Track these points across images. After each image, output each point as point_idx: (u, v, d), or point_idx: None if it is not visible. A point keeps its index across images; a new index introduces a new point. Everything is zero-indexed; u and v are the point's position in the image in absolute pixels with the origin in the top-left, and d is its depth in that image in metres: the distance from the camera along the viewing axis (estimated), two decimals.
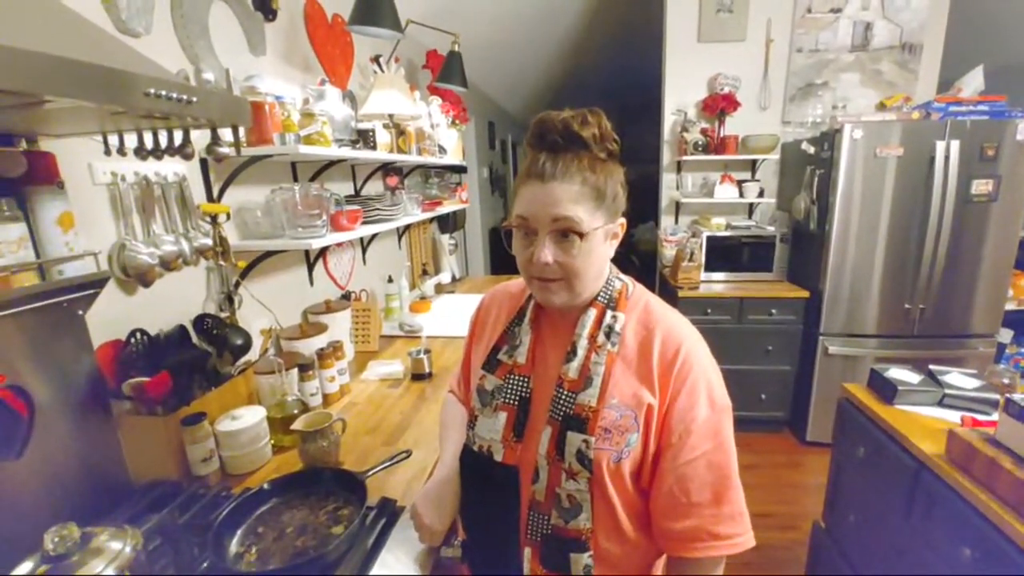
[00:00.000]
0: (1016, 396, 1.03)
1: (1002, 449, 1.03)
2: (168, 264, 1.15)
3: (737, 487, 0.71)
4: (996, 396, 1.28)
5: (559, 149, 0.70)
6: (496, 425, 0.76)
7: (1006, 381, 1.37)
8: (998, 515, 0.97)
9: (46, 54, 0.56)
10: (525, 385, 0.77)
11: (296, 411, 1.25)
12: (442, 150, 2.53)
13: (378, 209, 1.90)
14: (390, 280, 2.41)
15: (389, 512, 0.99)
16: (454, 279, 3.18)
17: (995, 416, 1.19)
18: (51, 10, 0.69)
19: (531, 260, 0.71)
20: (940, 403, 1.35)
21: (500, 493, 0.76)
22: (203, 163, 1.35)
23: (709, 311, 2.73)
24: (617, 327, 0.74)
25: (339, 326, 1.74)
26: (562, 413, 0.72)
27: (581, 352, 0.74)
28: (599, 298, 0.76)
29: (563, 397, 0.72)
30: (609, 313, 0.75)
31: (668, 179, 3.28)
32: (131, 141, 0.92)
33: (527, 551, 0.75)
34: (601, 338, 0.74)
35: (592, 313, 0.75)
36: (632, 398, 0.71)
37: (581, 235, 0.68)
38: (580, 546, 0.72)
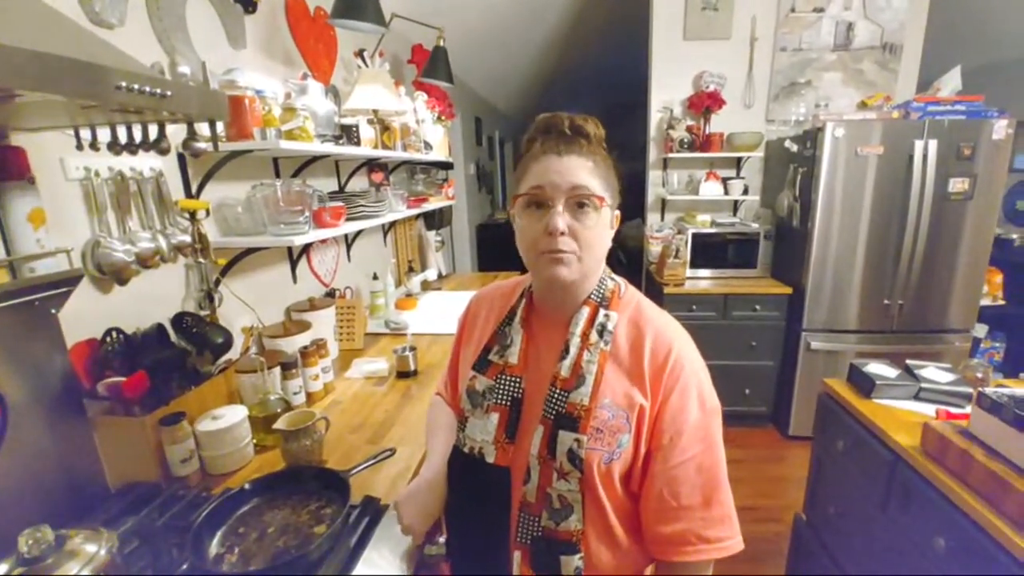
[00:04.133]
0: (988, 389, 1.06)
1: (974, 441, 1.06)
2: (145, 261, 1.13)
3: (726, 490, 0.72)
4: (969, 390, 1.31)
5: (566, 139, 0.73)
6: (488, 426, 0.76)
7: (979, 375, 1.40)
8: (970, 505, 0.99)
9: (14, 47, 0.54)
10: (517, 385, 0.76)
11: (279, 410, 1.24)
12: (428, 146, 2.52)
13: (362, 205, 1.89)
14: (375, 277, 2.39)
15: (373, 511, 0.98)
16: (440, 276, 3.16)
17: (968, 409, 1.22)
18: (20, 1, 0.67)
19: (543, 232, 0.70)
20: (916, 397, 1.38)
21: (491, 495, 0.75)
22: (181, 158, 1.33)
23: (694, 307, 2.76)
24: (610, 326, 0.74)
25: (323, 324, 1.72)
26: (554, 412, 0.71)
27: (574, 350, 0.73)
28: (592, 296, 0.77)
29: (556, 396, 0.72)
30: (602, 312, 0.75)
31: (654, 176, 3.30)
32: (104, 135, 0.90)
33: (517, 554, 0.73)
34: (594, 336, 0.74)
35: (585, 311, 0.75)
36: (624, 398, 0.71)
37: (599, 202, 0.70)
38: (571, 548, 0.71)
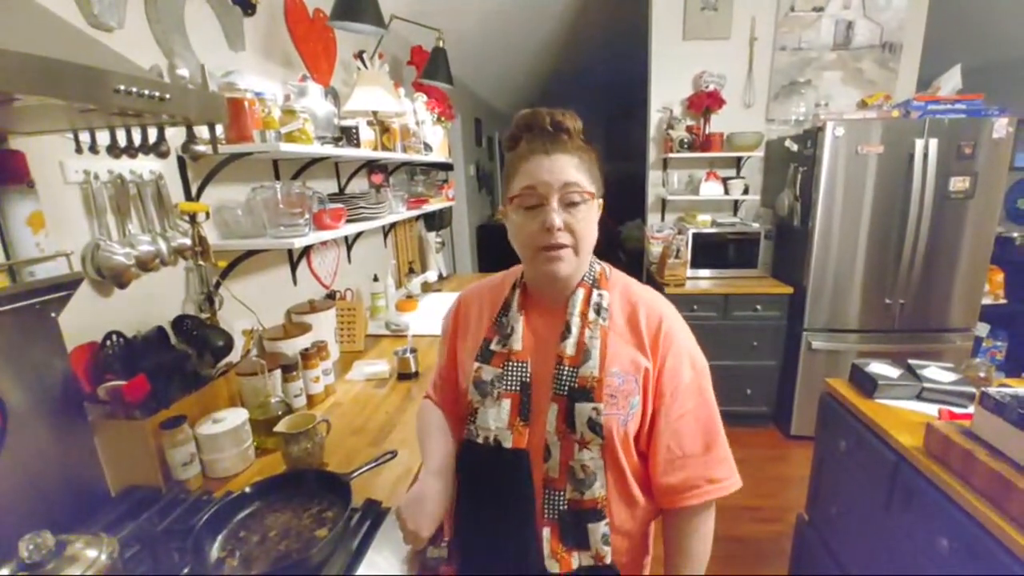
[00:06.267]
0: (991, 389, 1.05)
1: (977, 441, 1.05)
2: (145, 264, 1.12)
3: (723, 436, 0.80)
4: (972, 389, 1.30)
5: (549, 136, 0.77)
6: (501, 413, 0.79)
7: (982, 374, 1.40)
8: (974, 506, 0.99)
9: (12, 51, 0.54)
10: (524, 370, 0.80)
11: (279, 413, 1.24)
12: (428, 147, 2.51)
13: (362, 207, 1.89)
14: (376, 279, 2.39)
15: (374, 514, 0.98)
16: (441, 277, 3.16)
17: (971, 409, 1.22)
18: (17, 4, 0.67)
19: (540, 228, 0.74)
20: (918, 397, 1.37)
21: (512, 479, 0.78)
22: (180, 161, 1.32)
23: (695, 307, 2.76)
24: (604, 303, 0.81)
25: (324, 326, 1.72)
26: (567, 387, 0.76)
27: (575, 329, 0.79)
28: (584, 279, 0.82)
29: (565, 373, 0.77)
30: (595, 292, 0.81)
31: (654, 176, 3.29)
32: (104, 138, 0.90)
33: (546, 531, 0.77)
34: (592, 315, 0.79)
35: (580, 293, 0.81)
36: (631, 364, 0.78)
37: (590, 197, 0.76)
38: (597, 515, 0.76)
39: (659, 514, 0.84)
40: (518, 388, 0.79)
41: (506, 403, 0.79)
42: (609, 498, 0.77)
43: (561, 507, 0.77)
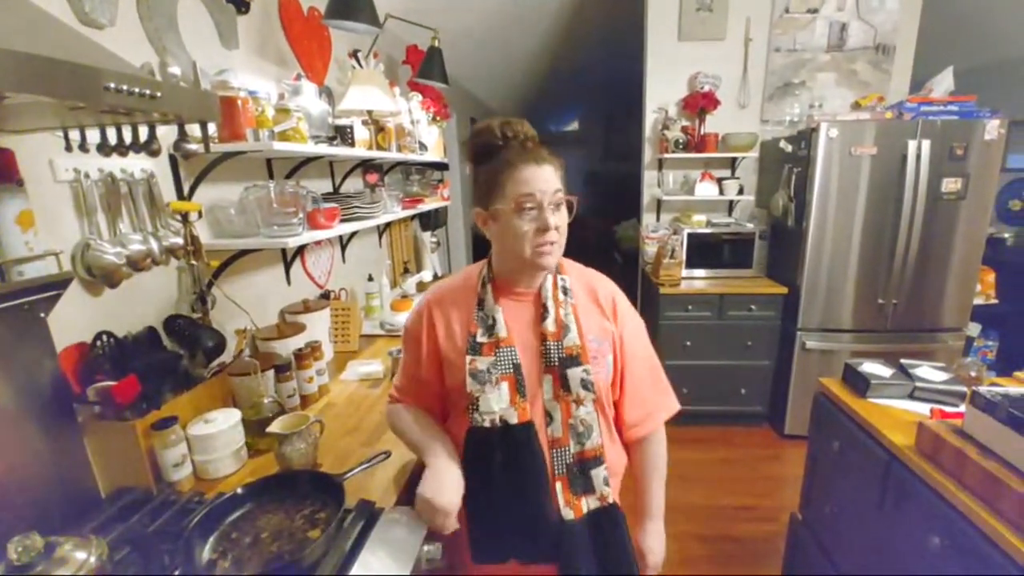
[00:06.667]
0: (982, 389, 1.06)
1: (969, 440, 1.06)
2: (136, 264, 1.11)
3: (662, 370, 1.02)
4: (963, 388, 1.31)
5: (524, 145, 0.88)
6: (502, 395, 0.88)
7: (973, 374, 1.41)
8: (965, 504, 0.99)
9: (1, 48, 0.53)
10: (513, 353, 0.90)
11: (272, 413, 1.23)
12: (423, 147, 2.51)
13: (357, 207, 1.88)
14: (370, 278, 2.38)
15: (367, 514, 0.97)
16: (436, 277, 3.15)
17: (962, 408, 1.22)
18: (7, 1, 0.66)
19: (536, 230, 0.85)
20: (911, 396, 1.38)
21: (524, 451, 0.88)
22: (172, 160, 1.31)
23: (690, 307, 2.76)
24: (568, 285, 0.95)
25: (318, 326, 1.71)
26: (556, 359, 0.89)
27: (552, 310, 0.91)
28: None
29: (551, 348, 0.89)
30: (560, 277, 0.95)
31: (649, 177, 3.30)
32: (94, 137, 0.89)
33: (558, 485, 0.89)
34: (561, 296, 0.93)
35: (549, 279, 0.93)
36: (602, 331, 0.94)
37: (569, 205, 0.89)
38: (596, 462, 0.91)
39: (628, 450, 1.01)
40: (511, 370, 0.89)
41: (504, 385, 0.88)
42: (603, 445, 0.92)
43: (568, 461, 0.89)
